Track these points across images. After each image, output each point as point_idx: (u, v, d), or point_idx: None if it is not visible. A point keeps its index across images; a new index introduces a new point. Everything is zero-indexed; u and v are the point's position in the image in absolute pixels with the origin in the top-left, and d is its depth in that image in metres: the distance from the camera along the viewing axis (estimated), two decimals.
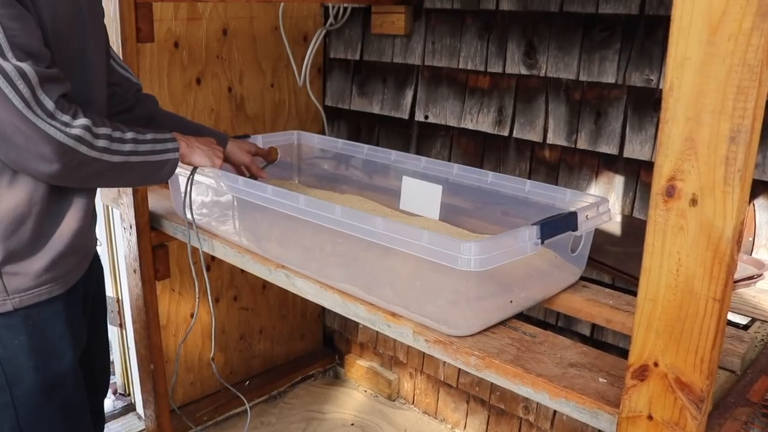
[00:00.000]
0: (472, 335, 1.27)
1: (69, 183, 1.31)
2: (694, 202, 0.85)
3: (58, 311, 1.38)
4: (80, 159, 1.23)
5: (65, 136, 1.19)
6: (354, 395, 2.92)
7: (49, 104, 1.17)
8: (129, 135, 1.34)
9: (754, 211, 1.73)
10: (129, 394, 2.75)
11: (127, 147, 1.32)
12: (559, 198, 1.53)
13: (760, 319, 1.46)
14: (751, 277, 1.57)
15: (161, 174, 1.43)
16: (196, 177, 1.65)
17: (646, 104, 1.88)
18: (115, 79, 1.61)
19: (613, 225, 1.94)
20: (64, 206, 1.36)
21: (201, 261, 1.74)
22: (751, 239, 1.74)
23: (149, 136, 1.39)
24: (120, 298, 2.61)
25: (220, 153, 1.63)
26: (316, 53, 2.56)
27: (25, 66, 1.13)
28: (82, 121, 1.22)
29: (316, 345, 3.11)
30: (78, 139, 1.21)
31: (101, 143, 1.26)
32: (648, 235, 0.90)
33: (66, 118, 1.20)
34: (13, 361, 1.34)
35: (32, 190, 1.28)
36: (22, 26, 1.14)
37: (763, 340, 1.38)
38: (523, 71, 2.12)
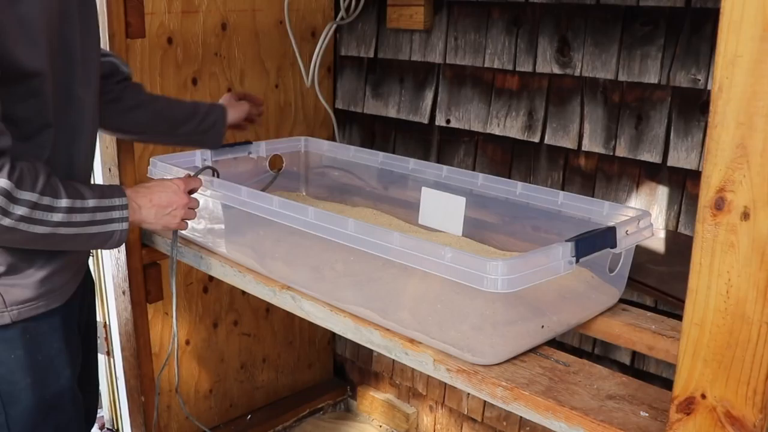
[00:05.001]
0: (499, 364, 1.27)
1: None
2: (746, 216, 0.85)
3: (56, 326, 1.44)
4: None
5: None
6: (368, 431, 2.92)
7: None
8: (62, 203, 1.28)
9: None
10: (117, 430, 2.76)
11: (56, 217, 1.27)
12: (596, 211, 1.54)
13: None
14: None
15: (108, 244, 1.39)
16: None
17: (693, 107, 1.89)
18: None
19: (656, 241, 1.94)
20: None
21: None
22: None
23: (90, 203, 1.33)
24: (107, 322, 2.63)
25: (182, 206, 1.55)
26: (325, 50, 2.57)
27: None
28: (2, 183, 1.18)
29: (325, 375, 3.12)
30: None
31: (19, 211, 1.21)
32: (695, 252, 0.91)
33: None
34: (8, 377, 1.38)
35: None
36: None
37: None
38: (556, 70, 2.13)
